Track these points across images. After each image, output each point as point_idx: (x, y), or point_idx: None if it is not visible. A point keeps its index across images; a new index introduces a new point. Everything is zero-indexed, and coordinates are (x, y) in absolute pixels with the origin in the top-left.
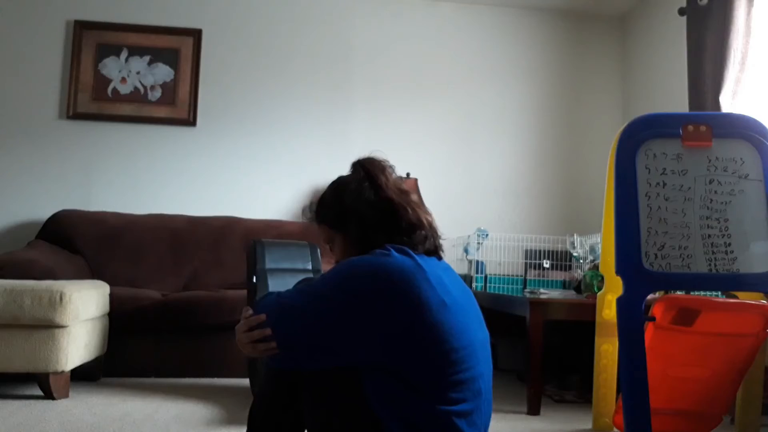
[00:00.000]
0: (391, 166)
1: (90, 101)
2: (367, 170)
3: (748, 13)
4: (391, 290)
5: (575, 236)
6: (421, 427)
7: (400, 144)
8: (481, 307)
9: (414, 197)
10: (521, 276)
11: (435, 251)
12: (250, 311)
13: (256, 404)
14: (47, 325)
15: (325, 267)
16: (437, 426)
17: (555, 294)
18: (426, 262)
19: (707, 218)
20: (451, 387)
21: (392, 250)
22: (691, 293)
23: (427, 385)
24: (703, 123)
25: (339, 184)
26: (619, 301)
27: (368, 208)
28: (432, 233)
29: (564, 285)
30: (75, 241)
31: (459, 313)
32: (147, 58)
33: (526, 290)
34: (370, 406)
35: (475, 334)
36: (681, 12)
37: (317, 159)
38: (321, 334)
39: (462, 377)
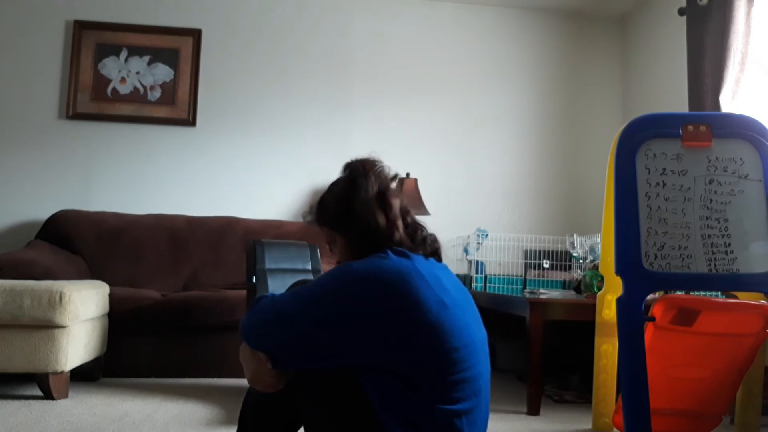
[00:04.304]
0: (387, 167)
1: (90, 101)
2: (361, 171)
3: (748, 13)
4: (388, 292)
5: (575, 236)
6: (421, 426)
7: (400, 144)
8: (481, 308)
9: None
10: (521, 276)
11: (434, 252)
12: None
13: (248, 402)
14: (47, 326)
15: (325, 267)
16: (437, 425)
17: (555, 294)
18: (424, 262)
19: (707, 218)
20: (451, 386)
21: (389, 252)
22: (691, 293)
23: (427, 385)
24: (703, 123)
25: (336, 185)
26: (619, 301)
27: (365, 209)
28: (429, 234)
29: (564, 285)
30: (75, 241)
31: (458, 312)
32: (147, 58)
33: (525, 290)
34: (370, 406)
35: (474, 334)
36: (681, 12)
37: (317, 159)
38: (319, 337)
39: (462, 376)
